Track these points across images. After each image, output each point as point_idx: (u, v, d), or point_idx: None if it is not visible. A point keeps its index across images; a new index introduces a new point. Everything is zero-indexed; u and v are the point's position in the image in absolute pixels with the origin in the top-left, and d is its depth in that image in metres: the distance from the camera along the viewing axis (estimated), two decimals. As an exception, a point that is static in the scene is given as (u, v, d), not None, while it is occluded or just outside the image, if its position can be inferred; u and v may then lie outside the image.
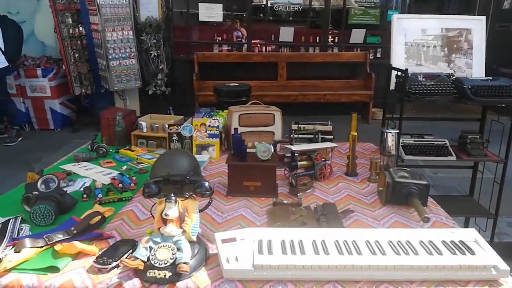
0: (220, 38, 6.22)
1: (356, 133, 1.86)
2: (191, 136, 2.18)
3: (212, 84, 5.54)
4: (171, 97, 5.46)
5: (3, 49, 4.45)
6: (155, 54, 5.28)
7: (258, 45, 6.11)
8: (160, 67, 5.36)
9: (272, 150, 1.66)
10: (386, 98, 2.46)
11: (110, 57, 4.83)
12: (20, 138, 4.78)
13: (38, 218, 1.37)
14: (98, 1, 4.60)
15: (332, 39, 6.17)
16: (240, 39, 6.21)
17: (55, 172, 1.86)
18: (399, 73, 2.20)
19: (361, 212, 1.49)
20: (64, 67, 5.02)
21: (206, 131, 2.18)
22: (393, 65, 2.31)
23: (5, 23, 4.54)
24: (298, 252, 1.10)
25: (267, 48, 6.16)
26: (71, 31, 4.96)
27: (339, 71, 5.95)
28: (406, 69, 2.10)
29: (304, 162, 1.80)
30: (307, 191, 1.67)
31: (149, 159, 2.12)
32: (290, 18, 8.14)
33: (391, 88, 2.31)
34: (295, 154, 1.79)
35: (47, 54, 5.65)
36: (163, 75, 5.37)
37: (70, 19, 4.94)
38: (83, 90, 5.13)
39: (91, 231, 1.31)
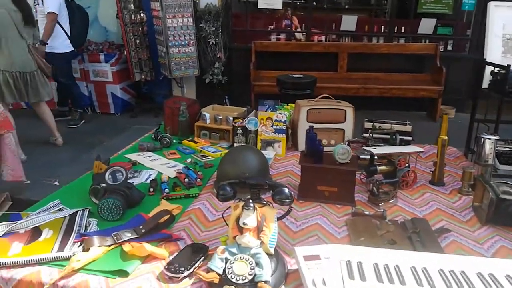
0: (277, 26, 6.04)
1: (446, 137, 1.63)
2: (256, 130, 2.06)
3: (268, 74, 5.48)
4: (227, 86, 5.39)
5: (69, 34, 4.59)
6: (213, 42, 5.22)
7: (318, 35, 5.86)
8: (218, 56, 5.29)
9: (351, 153, 1.49)
10: (475, 96, 2.18)
11: (170, 44, 4.83)
12: (83, 121, 4.96)
13: (106, 213, 1.32)
14: (160, -13, 4.60)
15: (399, 29, 5.76)
16: (289, 27, 5.99)
17: (121, 162, 1.83)
18: (496, 69, 1.93)
19: (458, 231, 1.29)
20: (125, 53, 5.10)
21: (272, 126, 2.05)
22: (488, 60, 2.02)
23: (72, 8, 4.67)
24: (397, 281, 0.94)
25: (327, 37, 5.89)
26: (132, 17, 5.02)
27: (405, 63, 5.56)
28: (508, 66, 1.82)
29: (384, 167, 1.61)
30: (390, 201, 1.49)
31: (212, 152, 2.03)
32: (346, 7, 7.75)
33: (483, 86, 2.04)
34: (374, 157, 1.61)
35: (110, 39, 5.79)
36: (220, 64, 5.31)
37: (132, 5, 5.00)
38: (142, 77, 5.20)
39: (159, 230, 1.23)
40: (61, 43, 4.55)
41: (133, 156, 1.95)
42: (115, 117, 5.33)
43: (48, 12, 4.33)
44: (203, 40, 5.21)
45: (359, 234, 1.23)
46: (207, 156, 1.99)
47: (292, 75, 2.97)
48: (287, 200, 1.09)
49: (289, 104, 2.40)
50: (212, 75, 5.33)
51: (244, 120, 2.10)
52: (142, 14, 5.08)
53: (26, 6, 3.73)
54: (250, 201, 1.06)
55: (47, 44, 4.37)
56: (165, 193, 1.51)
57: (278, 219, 1.12)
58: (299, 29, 5.92)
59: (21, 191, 3.25)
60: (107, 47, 5.38)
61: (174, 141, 2.19)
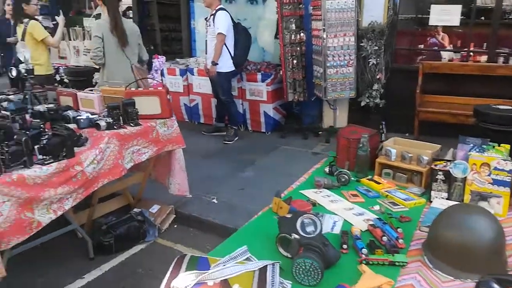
0: (451, 46, 5.30)
1: None
2: (465, 177, 1.62)
3: (437, 99, 4.81)
4: (384, 111, 4.91)
5: (232, 54, 4.79)
6: (374, 62, 4.83)
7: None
8: (377, 77, 4.87)
9: None
10: None
11: (328, 64, 4.63)
12: (237, 138, 5.10)
13: (301, 275, 1.08)
14: (325, 6, 4.44)
15: None
16: (436, 47, 5.15)
17: (300, 201, 1.61)
18: None
19: None
20: (281, 73, 5.11)
21: (489, 175, 1.58)
22: None
23: (237, 30, 4.88)
24: None
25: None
26: (292, 37, 4.99)
27: None
28: None
29: None
30: None
31: (404, 199, 1.66)
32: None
33: None
34: None
35: (266, 59, 5.91)
36: (379, 86, 4.88)
37: (293, 25, 4.98)
38: (295, 97, 5.12)
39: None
40: (224, 63, 4.78)
41: (310, 194, 1.72)
42: (266, 136, 5.37)
43: (218, 33, 4.59)
44: (363, 60, 4.87)
45: None
46: (398, 205, 1.63)
47: (496, 106, 2.39)
48: None
49: (501, 145, 1.88)
50: (369, 97, 4.93)
51: (447, 163, 1.68)
52: (302, 34, 5.02)
53: (119, 32, 3.84)
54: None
55: (217, 64, 4.64)
56: (363, 255, 1.21)
57: None
58: (473, 48, 5.07)
59: (183, 205, 3.40)
60: (264, 67, 5.48)
61: (352, 178, 1.89)
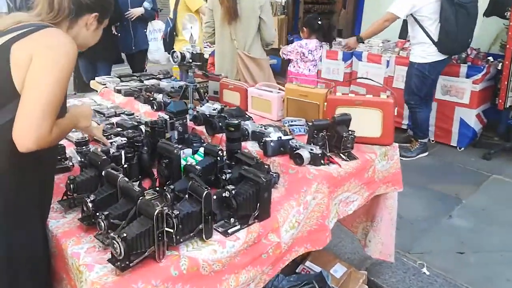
0: None
1: None
2: None
3: None
4: None
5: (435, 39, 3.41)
6: None
7: None
8: None
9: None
10: None
11: None
12: (425, 154, 3.78)
13: None
14: None
15: None
16: None
17: None
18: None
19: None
20: (501, 67, 3.58)
21: None
22: None
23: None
24: None
25: None
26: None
27: None
28: None
29: None
30: None
31: None
32: None
33: None
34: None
35: (474, 46, 4.22)
36: None
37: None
38: (516, 103, 3.56)
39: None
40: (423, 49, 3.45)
41: None
42: (458, 152, 3.91)
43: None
44: None
45: None
46: None
47: None
48: None
49: None
50: None
51: None
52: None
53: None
54: None
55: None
56: None
57: None
58: None
59: (377, 270, 2.30)
60: (472, 57, 3.92)
61: None
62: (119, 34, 3.99)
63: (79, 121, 1.41)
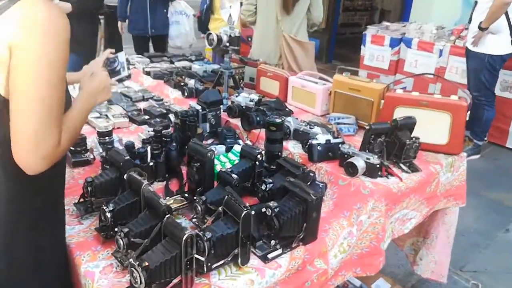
0: None
1: None
2: None
3: None
4: None
5: None
6: None
7: None
8: None
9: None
10: None
11: None
12: (477, 156, 3.44)
13: None
14: None
15: None
16: None
17: None
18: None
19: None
20: None
21: None
22: None
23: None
24: None
25: None
26: None
27: None
28: None
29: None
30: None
31: None
32: None
33: None
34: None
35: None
36: None
37: None
38: None
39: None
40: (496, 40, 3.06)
41: None
42: (513, 155, 3.57)
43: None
44: None
45: None
46: None
47: None
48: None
49: None
50: None
51: None
52: None
53: None
54: None
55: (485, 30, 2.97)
56: None
57: None
58: None
59: (421, 286, 2.05)
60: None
61: None
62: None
63: (96, 98, 1.07)
